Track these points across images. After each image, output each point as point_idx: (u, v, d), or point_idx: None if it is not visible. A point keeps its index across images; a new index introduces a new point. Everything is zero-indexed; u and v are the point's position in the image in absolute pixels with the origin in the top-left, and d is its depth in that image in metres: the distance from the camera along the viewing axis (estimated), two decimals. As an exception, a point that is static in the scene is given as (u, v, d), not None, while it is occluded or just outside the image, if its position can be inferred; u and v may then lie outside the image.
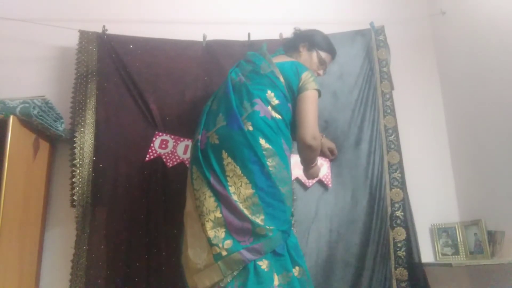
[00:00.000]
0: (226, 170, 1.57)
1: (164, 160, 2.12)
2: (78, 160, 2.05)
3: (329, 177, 2.19)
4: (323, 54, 1.89)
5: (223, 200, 1.54)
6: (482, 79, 2.13)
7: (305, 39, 1.89)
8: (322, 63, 1.90)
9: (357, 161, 2.22)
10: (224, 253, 1.49)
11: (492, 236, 2.04)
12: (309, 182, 2.17)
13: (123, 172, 2.09)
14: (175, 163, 2.12)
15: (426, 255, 2.22)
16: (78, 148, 2.06)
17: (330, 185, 2.17)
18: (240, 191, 1.55)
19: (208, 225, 1.52)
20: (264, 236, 1.51)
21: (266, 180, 1.57)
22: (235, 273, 1.48)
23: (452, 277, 2.19)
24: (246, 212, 1.52)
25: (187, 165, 2.08)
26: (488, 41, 2.09)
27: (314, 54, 1.88)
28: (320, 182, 2.18)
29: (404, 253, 2.10)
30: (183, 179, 1.89)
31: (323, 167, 2.18)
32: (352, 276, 2.07)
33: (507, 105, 1.95)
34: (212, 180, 1.57)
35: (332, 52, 1.93)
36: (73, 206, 2.01)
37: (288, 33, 2.03)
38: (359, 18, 2.46)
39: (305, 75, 1.71)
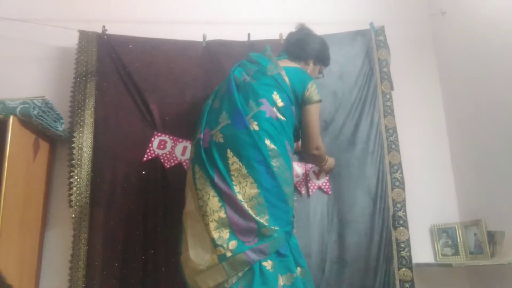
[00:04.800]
0: (231, 169, 1.57)
1: (162, 160, 2.11)
2: (76, 160, 2.05)
3: (328, 184, 2.19)
4: (323, 68, 2.03)
5: (228, 199, 1.54)
6: (482, 79, 2.13)
7: (316, 56, 1.95)
8: (319, 72, 2.02)
9: (358, 161, 2.22)
10: (228, 254, 1.49)
11: (492, 237, 2.04)
12: (309, 191, 2.16)
13: (121, 172, 2.08)
14: (173, 164, 2.12)
15: (426, 255, 2.22)
16: (77, 148, 2.06)
17: (329, 192, 2.17)
18: (245, 190, 1.55)
19: (212, 225, 1.52)
20: (269, 236, 1.52)
21: (271, 180, 1.57)
22: (240, 274, 1.48)
23: (452, 277, 2.19)
24: (251, 212, 1.52)
25: (185, 167, 2.09)
26: (488, 41, 2.09)
27: (318, 68, 1.99)
28: (320, 189, 2.18)
29: (407, 253, 2.10)
30: (182, 179, 1.89)
31: (322, 174, 2.18)
32: (354, 277, 2.06)
33: (507, 105, 1.95)
34: (216, 179, 1.56)
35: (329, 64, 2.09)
36: (71, 206, 2.00)
37: (288, 33, 2.03)
38: (359, 18, 2.46)
39: (311, 85, 1.78)
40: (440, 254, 2.21)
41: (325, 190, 2.17)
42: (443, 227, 2.25)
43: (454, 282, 2.19)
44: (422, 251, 2.20)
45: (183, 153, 2.13)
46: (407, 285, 2.06)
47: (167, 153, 2.13)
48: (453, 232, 2.22)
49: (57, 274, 2.00)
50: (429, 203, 2.29)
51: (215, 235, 1.51)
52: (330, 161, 2.10)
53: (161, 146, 2.13)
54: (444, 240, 2.23)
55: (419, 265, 2.17)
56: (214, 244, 1.50)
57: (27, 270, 1.93)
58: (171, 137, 2.15)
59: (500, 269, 1.98)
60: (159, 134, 2.15)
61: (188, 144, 2.14)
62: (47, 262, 2.05)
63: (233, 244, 1.50)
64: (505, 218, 1.98)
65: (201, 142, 1.67)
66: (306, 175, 2.18)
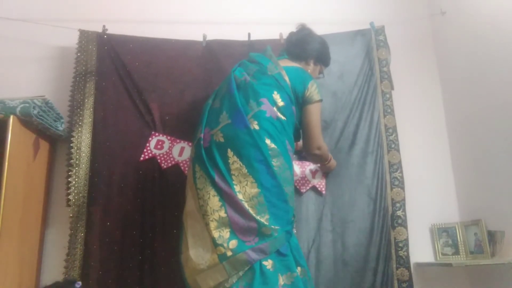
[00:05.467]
0: (231, 168, 1.57)
1: (159, 161, 2.11)
2: (74, 159, 2.04)
3: (323, 184, 2.18)
4: (323, 68, 2.04)
5: (228, 199, 1.54)
6: (482, 79, 2.14)
7: (317, 56, 1.96)
8: (320, 72, 2.03)
9: (357, 160, 2.22)
10: (229, 253, 1.49)
11: (492, 236, 2.04)
12: (303, 189, 2.16)
13: (118, 172, 2.08)
14: (170, 165, 2.11)
15: (426, 255, 2.22)
16: (75, 147, 2.06)
17: (324, 192, 2.17)
18: (245, 190, 1.55)
19: (213, 225, 1.52)
20: (269, 236, 1.52)
21: (272, 179, 1.57)
22: (240, 273, 1.48)
23: (452, 277, 2.19)
24: (251, 211, 1.52)
25: (181, 168, 2.09)
26: (488, 41, 2.09)
27: (318, 68, 2.00)
28: (314, 188, 2.17)
29: (405, 253, 2.10)
30: (180, 179, 1.89)
31: (318, 173, 2.18)
32: (353, 276, 2.06)
33: (507, 105, 1.95)
34: (216, 178, 1.56)
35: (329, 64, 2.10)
36: (68, 205, 2.01)
37: (288, 32, 2.03)
38: (359, 18, 2.46)
39: (311, 85, 1.78)
40: (440, 254, 2.22)
41: (319, 189, 2.17)
42: (443, 226, 2.25)
43: (454, 281, 2.19)
44: (422, 251, 2.20)
45: (180, 154, 2.13)
46: (404, 285, 2.06)
47: (164, 153, 2.12)
48: (453, 232, 2.22)
49: (57, 274, 1.99)
50: (429, 202, 2.29)
51: (215, 234, 1.51)
52: (333, 161, 2.10)
53: (158, 146, 2.13)
54: (444, 239, 2.23)
55: (419, 264, 2.17)
56: (215, 244, 1.50)
57: (27, 270, 1.93)
58: (168, 138, 2.15)
59: (500, 269, 1.98)
60: (156, 134, 2.15)
61: (185, 145, 2.14)
62: (47, 262, 2.05)
63: (233, 243, 1.50)
64: (505, 218, 1.98)
65: (202, 142, 1.67)
66: (303, 173, 2.18)
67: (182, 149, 2.13)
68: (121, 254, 1.99)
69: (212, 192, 1.56)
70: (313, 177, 2.18)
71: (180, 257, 1.62)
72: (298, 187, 2.15)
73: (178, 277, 1.64)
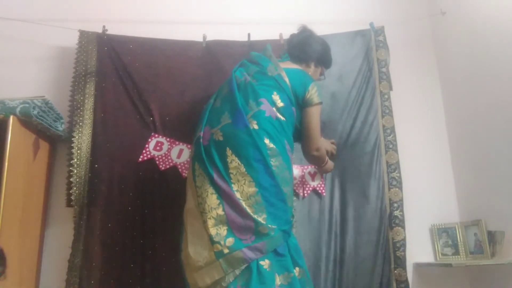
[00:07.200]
0: (230, 167, 1.58)
1: (157, 162, 2.10)
2: (75, 160, 2.05)
3: (323, 185, 2.18)
4: (324, 70, 2.03)
5: (226, 197, 1.55)
6: (482, 79, 2.13)
7: (318, 58, 1.96)
8: (321, 74, 2.02)
9: (355, 161, 2.22)
10: (226, 250, 1.49)
11: (492, 236, 2.04)
12: (304, 193, 2.16)
13: (118, 172, 2.08)
14: (168, 166, 2.11)
15: (426, 255, 2.22)
16: (76, 148, 2.06)
17: (324, 194, 2.17)
18: (243, 189, 1.55)
19: (210, 222, 1.53)
20: (266, 235, 1.52)
21: (270, 179, 1.58)
22: (237, 272, 1.49)
23: (452, 277, 2.19)
24: (249, 210, 1.53)
25: (179, 170, 2.09)
26: (488, 41, 2.09)
27: (319, 70, 2.00)
28: (314, 190, 2.18)
29: (402, 253, 2.10)
30: (180, 180, 1.89)
31: (317, 175, 2.18)
32: (352, 277, 2.06)
33: (507, 105, 1.95)
34: (215, 176, 1.57)
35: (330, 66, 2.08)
36: (69, 205, 2.01)
37: (288, 33, 2.03)
38: (359, 18, 2.46)
39: (311, 87, 1.78)
40: (440, 254, 2.21)
41: (319, 191, 2.17)
42: (443, 227, 2.25)
43: (454, 282, 2.19)
44: (422, 251, 2.20)
45: (178, 156, 2.12)
46: (402, 285, 2.06)
47: (163, 155, 2.12)
48: (453, 232, 2.22)
49: (57, 274, 2.00)
50: (429, 203, 2.29)
51: (212, 232, 1.52)
52: (330, 163, 2.09)
53: (158, 148, 2.13)
54: (444, 240, 2.23)
55: (419, 265, 2.17)
56: (212, 241, 1.51)
57: (27, 270, 1.93)
58: (168, 139, 2.15)
59: (500, 269, 1.98)
60: (156, 135, 2.15)
61: (184, 147, 2.14)
62: (47, 262, 2.05)
63: (230, 241, 1.51)
64: (505, 218, 1.98)
65: (201, 140, 1.68)
66: (302, 176, 2.18)
67: (181, 151, 2.13)
68: (122, 254, 1.99)
69: (211, 190, 1.57)
70: (313, 180, 2.18)
71: (180, 254, 1.63)
72: (299, 191, 2.16)
73: (179, 277, 1.65)
